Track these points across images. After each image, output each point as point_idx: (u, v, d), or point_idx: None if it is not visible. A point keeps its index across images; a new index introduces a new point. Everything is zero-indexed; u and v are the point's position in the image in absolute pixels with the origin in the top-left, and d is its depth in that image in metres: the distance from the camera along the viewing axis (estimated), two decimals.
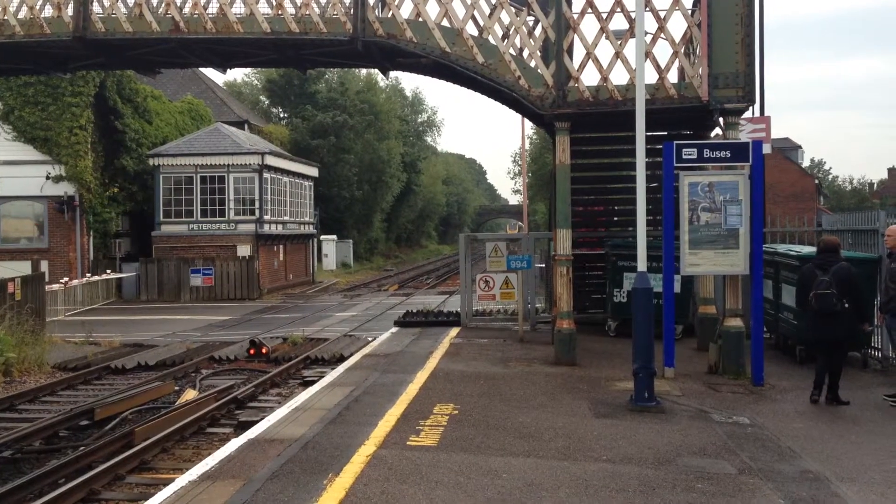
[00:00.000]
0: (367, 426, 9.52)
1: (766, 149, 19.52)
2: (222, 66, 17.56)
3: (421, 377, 12.66)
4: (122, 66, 23.53)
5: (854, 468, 8.22)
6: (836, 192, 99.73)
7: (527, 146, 56.33)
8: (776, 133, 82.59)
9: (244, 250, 37.62)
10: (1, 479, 10.49)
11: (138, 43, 15.31)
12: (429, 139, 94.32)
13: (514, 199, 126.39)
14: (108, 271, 35.50)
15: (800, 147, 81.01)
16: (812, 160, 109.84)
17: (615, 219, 19.34)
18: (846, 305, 10.84)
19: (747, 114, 17.16)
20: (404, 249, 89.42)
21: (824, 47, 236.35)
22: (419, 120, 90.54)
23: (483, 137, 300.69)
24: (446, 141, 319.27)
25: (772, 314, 15.09)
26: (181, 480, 7.60)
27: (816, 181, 74.84)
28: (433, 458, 8.25)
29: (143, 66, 17.99)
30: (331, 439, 8.96)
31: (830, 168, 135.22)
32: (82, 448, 11.61)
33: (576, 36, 13.95)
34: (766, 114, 21.82)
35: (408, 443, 8.82)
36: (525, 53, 14.54)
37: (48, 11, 15.04)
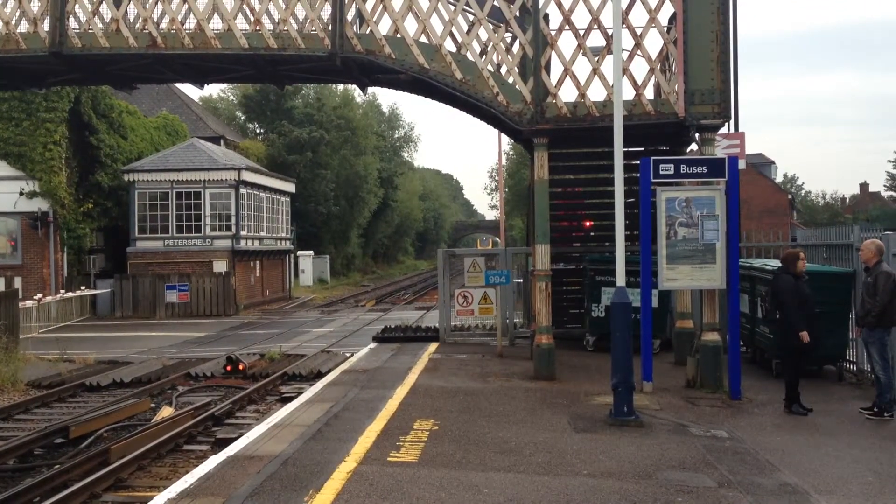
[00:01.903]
0: (348, 442, 9.49)
1: (741, 164, 19.71)
2: (199, 82, 17.51)
3: (400, 393, 12.64)
4: (98, 82, 23.41)
5: (832, 481, 8.28)
6: (809, 206, 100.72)
7: (503, 162, 56.59)
8: (750, 149, 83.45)
9: (220, 266, 37.39)
10: None
11: (115, 58, 15.24)
12: (406, 155, 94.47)
13: (490, 215, 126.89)
14: (83, 288, 35.16)
15: (773, 163, 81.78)
16: (785, 175, 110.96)
17: (592, 234, 19.43)
18: (777, 316, 11.42)
19: (722, 129, 17.33)
20: (381, 265, 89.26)
21: (795, 64, 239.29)
22: (396, 136, 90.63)
23: (460, 153, 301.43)
24: (423, 157, 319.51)
25: (748, 328, 15.20)
26: (160, 499, 7.53)
27: (790, 196, 75.59)
28: (414, 473, 8.23)
29: (120, 82, 17.89)
30: (311, 456, 8.92)
31: (803, 183, 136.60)
32: (57, 466, 11.46)
33: (553, 52, 14.06)
34: (741, 130, 22.06)
35: (388, 459, 8.80)
36: (503, 70, 14.63)
37: (24, 27, 14.93)
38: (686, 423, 10.69)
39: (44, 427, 13.69)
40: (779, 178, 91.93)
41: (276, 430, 10.33)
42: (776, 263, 15.14)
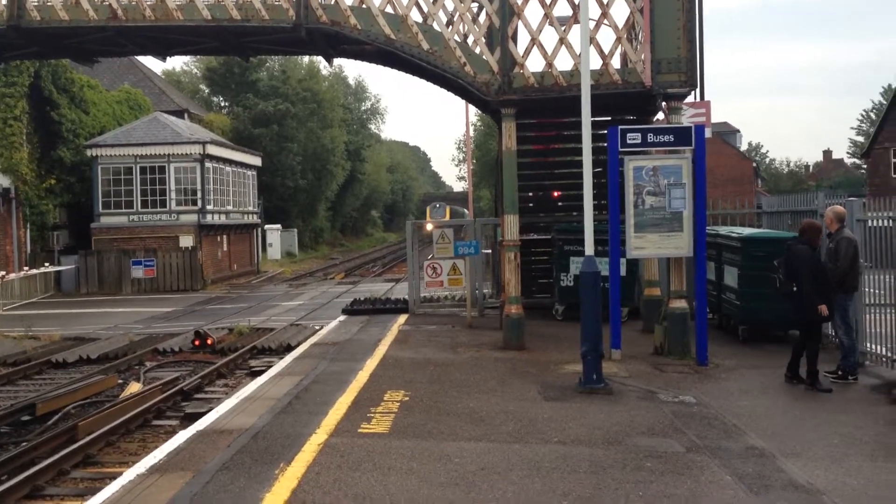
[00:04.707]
0: (318, 415, 9.48)
1: (707, 133, 19.83)
2: (162, 55, 17.24)
3: (370, 365, 12.64)
4: (58, 55, 22.99)
5: (798, 444, 8.40)
6: (773, 174, 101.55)
7: (471, 133, 56.46)
8: (715, 118, 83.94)
9: (187, 241, 37.06)
10: None
11: (75, 31, 14.96)
12: (373, 127, 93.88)
13: (458, 186, 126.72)
14: (47, 264, 34.76)
15: (738, 131, 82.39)
16: (750, 144, 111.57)
17: (560, 204, 19.45)
18: (794, 288, 10.92)
19: (688, 99, 17.35)
20: (350, 238, 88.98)
21: (761, 34, 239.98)
22: (362, 108, 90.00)
23: (427, 125, 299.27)
24: (390, 129, 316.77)
25: (714, 295, 15.35)
26: (129, 473, 7.49)
27: (754, 164, 76.18)
28: (385, 444, 8.25)
29: (81, 55, 17.55)
30: (282, 429, 8.91)
31: (767, 151, 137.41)
32: (24, 444, 11.38)
33: (520, 22, 13.99)
34: (706, 99, 22.18)
35: (359, 430, 8.81)
36: (470, 40, 14.55)
37: None
38: (654, 389, 10.80)
39: (9, 405, 13.57)
40: (744, 147, 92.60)
41: (247, 403, 10.30)
42: (742, 231, 15.30)
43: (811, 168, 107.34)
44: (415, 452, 7.97)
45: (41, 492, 9.53)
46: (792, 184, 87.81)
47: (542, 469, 7.48)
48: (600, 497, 6.83)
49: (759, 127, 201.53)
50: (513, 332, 13.96)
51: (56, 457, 10.36)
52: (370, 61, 16.58)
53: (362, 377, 11.67)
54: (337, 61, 22.53)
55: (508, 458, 7.82)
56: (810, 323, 11.02)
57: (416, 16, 14.34)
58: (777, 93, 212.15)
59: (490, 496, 6.82)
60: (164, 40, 16.10)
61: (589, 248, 11.20)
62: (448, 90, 16.95)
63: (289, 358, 14.01)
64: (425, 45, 13.86)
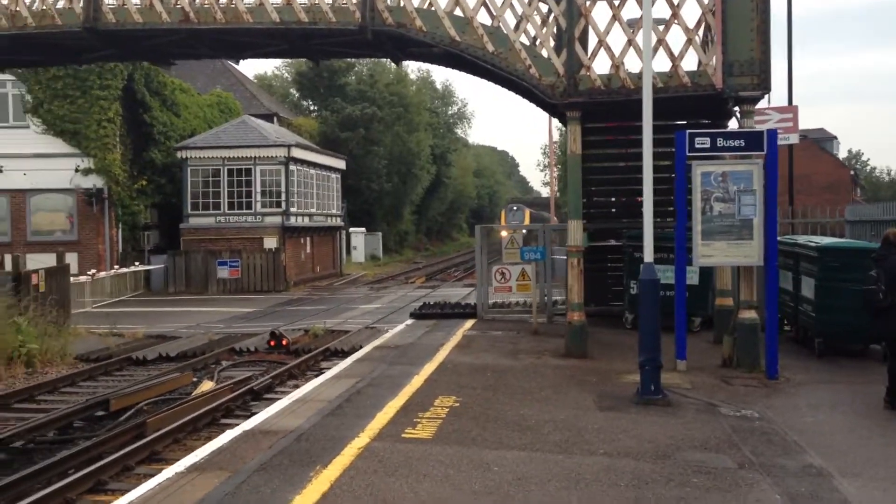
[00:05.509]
0: (365, 418, 9.43)
1: (794, 139, 19.24)
2: (234, 57, 17.54)
3: (428, 369, 12.55)
4: (134, 58, 23.47)
5: (860, 463, 8.01)
6: (873, 183, 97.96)
7: (556, 137, 56.01)
8: (813, 124, 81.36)
9: (271, 242, 37.68)
10: (11, 469, 10.49)
11: (149, 33, 15.29)
12: (459, 131, 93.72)
13: (545, 192, 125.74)
14: (137, 263, 35.74)
15: (835, 138, 79.66)
16: (849, 151, 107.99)
17: (642, 210, 19.01)
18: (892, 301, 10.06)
19: (777, 103, 16.81)
20: (435, 242, 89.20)
21: (866, 37, 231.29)
22: (449, 112, 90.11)
23: (515, 130, 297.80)
24: (477, 133, 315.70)
25: (791, 306, 14.81)
26: (168, 472, 7.57)
27: (852, 172, 73.59)
28: (426, 450, 8.15)
29: (156, 57, 18.02)
30: (326, 431, 8.89)
31: (868, 159, 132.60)
32: (94, 438, 11.64)
33: (588, 24, 13.74)
34: (796, 104, 21.50)
35: (402, 435, 8.73)
36: (537, 42, 14.36)
37: (61, 3, 15.08)
38: (716, 402, 10.43)
39: (85, 400, 13.92)
40: (842, 155, 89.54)
41: (297, 405, 10.33)
42: (820, 240, 14.70)
43: None
44: (454, 459, 7.84)
45: (104, 486, 9.68)
46: (892, 193, 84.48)
47: (581, 481, 7.27)
48: None
49: (861, 134, 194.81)
50: (575, 339, 13.70)
51: (122, 452, 10.54)
52: (437, 63, 16.54)
53: (417, 381, 11.60)
54: (424, 66, 22.52)
55: (550, 468, 7.63)
56: None
57: (484, 18, 14.23)
58: (881, 98, 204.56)
59: None
60: (235, 43, 16.35)
61: (648, 255, 10.92)
62: (515, 92, 16.75)
63: (349, 360, 14.02)
64: (490, 48, 13.72)
